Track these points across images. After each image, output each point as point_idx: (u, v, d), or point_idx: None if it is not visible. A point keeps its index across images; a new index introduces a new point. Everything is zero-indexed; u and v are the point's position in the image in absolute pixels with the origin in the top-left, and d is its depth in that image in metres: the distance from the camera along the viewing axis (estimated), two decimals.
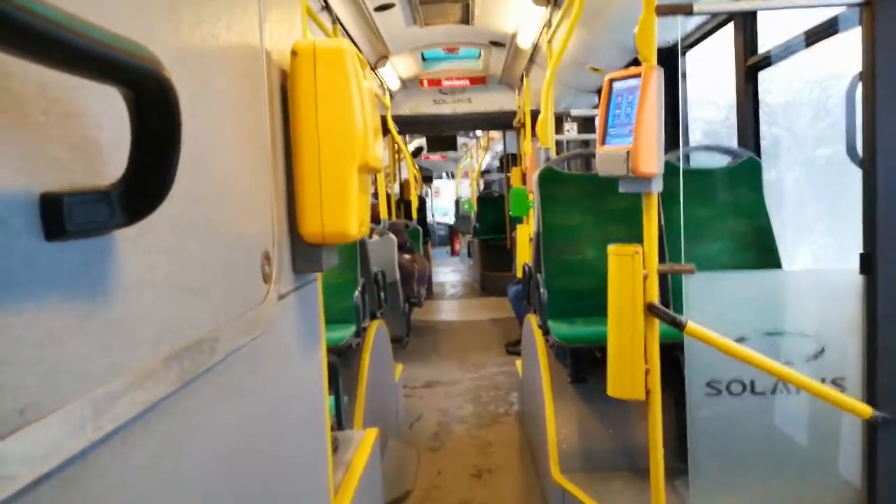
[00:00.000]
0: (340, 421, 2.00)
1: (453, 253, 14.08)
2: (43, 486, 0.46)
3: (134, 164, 0.51)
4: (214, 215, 0.78)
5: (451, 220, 16.10)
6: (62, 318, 0.48)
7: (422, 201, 9.46)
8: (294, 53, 1.04)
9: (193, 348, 0.69)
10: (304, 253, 1.11)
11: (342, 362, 2.60)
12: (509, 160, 11.62)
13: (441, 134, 10.78)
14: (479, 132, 11.83)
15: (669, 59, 3.71)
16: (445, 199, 19.15)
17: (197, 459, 0.71)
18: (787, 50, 2.82)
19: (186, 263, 0.69)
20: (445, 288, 9.81)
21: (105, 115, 0.54)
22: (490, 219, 10.03)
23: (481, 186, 13.74)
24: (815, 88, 2.93)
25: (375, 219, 5.04)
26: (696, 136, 4.13)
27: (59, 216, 0.47)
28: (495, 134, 11.23)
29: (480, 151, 12.80)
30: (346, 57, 1.04)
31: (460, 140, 12.46)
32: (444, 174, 19.58)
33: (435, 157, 14.56)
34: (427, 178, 15.54)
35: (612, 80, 1.82)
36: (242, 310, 0.84)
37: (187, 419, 0.69)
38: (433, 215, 16.52)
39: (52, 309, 0.47)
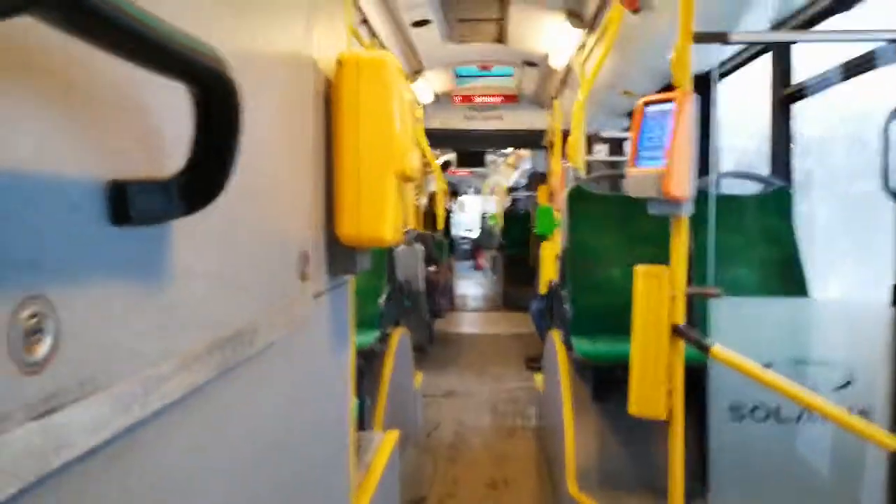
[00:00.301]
0: (362, 422, 2.02)
1: (477, 267, 14.10)
2: (94, 457, 0.48)
3: (195, 157, 0.54)
4: (259, 213, 0.81)
5: (474, 234, 16.17)
6: (122, 299, 0.51)
7: (448, 214, 9.52)
8: (339, 63, 1.08)
9: (235, 338, 0.72)
10: (340, 255, 1.14)
11: (365, 366, 2.62)
12: (537, 179, 11.65)
13: (470, 149, 10.85)
14: (507, 150, 11.90)
15: (703, 85, 3.71)
16: (470, 214, 19.22)
17: (229, 445, 0.74)
18: (822, 83, 2.81)
19: (232, 257, 0.73)
20: (468, 301, 9.84)
21: (169, 111, 0.58)
22: (515, 235, 10.07)
23: (508, 203, 13.77)
24: (852, 122, 2.92)
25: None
26: (728, 163, 4.11)
27: (123, 203, 0.50)
28: (524, 152, 11.28)
29: (508, 168, 12.85)
30: (389, 68, 1.08)
31: (489, 157, 12.53)
32: (469, 189, 19.67)
33: (462, 172, 14.65)
34: (453, 193, 15.66)
35: (646, 104, 1.84)
36: (280, 305, 0.87)
37: (224, 406, 0.72)
38: (458, 230, 16.64)
39: (114, 290, 0.50)
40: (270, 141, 0.84)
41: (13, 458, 0.39)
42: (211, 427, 0.69)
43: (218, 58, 0.52)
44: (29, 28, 0.40)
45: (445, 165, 11.83)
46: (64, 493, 0.45)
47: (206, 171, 0.55)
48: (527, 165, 12.12)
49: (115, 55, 0.44)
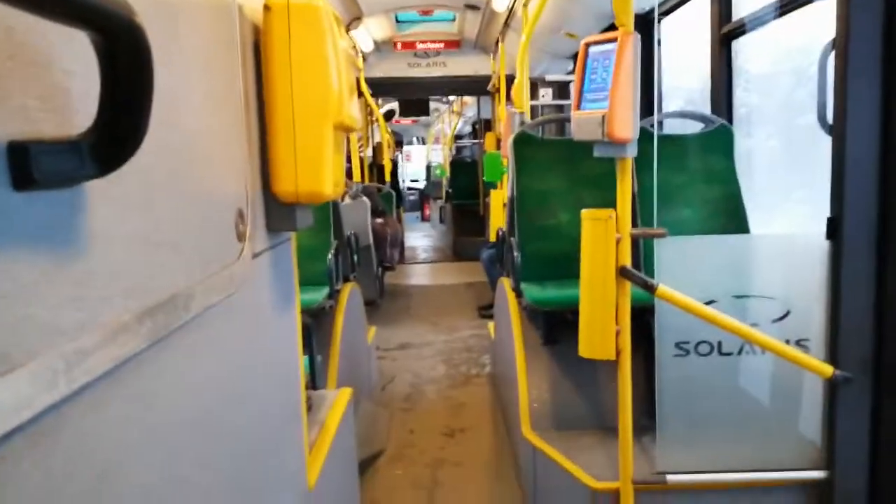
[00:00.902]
0: (314, 381, 2.01)
1: (424, 218, 14.05)
2: (16, 437, 0.45)
3: (104, 113, 0.50)
4: (186, 171, 0.76)
5: (421, 185, 16.03)
6: (31, 269, 0.48)
7: (394, 165, 9.41)
8: (267, 8, 1.02)
9: (167, 304, 0.68)
10: (278, 212, 1.10)
11: (316, 324, 2.60)
12: (482, 126, 11.58)
13: (414, 98, 10.68)
14: (451, 97, 11.76)
15: (646, 26, 3.70)
16: (416, 165, 19.02)
17: (171, 415, 0.71)
18: (760, 18, 2.83)
19: (158, 219, 0.68)
20: (417, 252, 9.82)
21: (74, 62, 0.53)
22: (463, 184, 10.03)
23: (454, 152, 13.66)
24: (797, 56, 2.95)
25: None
26: (676, 104, 4.14)
27: (26, 165, 0.46)
28: (468, 99, 11.17)
29: (453, 116, 12.72)
30: (322, 14, 1.03)
31: (433, 105, 12.36)
32: (414, 139, 19.42)
33: (406, 121, 14.45)
34: (398, 143, 15.47)
35: (588, 45, 1.82)
36: (217, 267, 0.84)
37: (161, 375, 0.69)
38: (404, 180, 16.47)
39: (22, 260, 0.47)
40: (193, 93, 0.79)
41: None
42: (148, 398, 0.66)
43: (122, 2, 0.47)
44: None
45: (389, 115, 11.64)
46: None
47: (118, 128, 0.51)
48: (470, 113, 12.03)
49: (4, 2, 0.39)
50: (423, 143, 18.57)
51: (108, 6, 0.45)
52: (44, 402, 0.48)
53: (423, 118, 13.68)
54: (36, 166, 0.46)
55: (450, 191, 10.29)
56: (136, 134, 0.51)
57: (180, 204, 0.74)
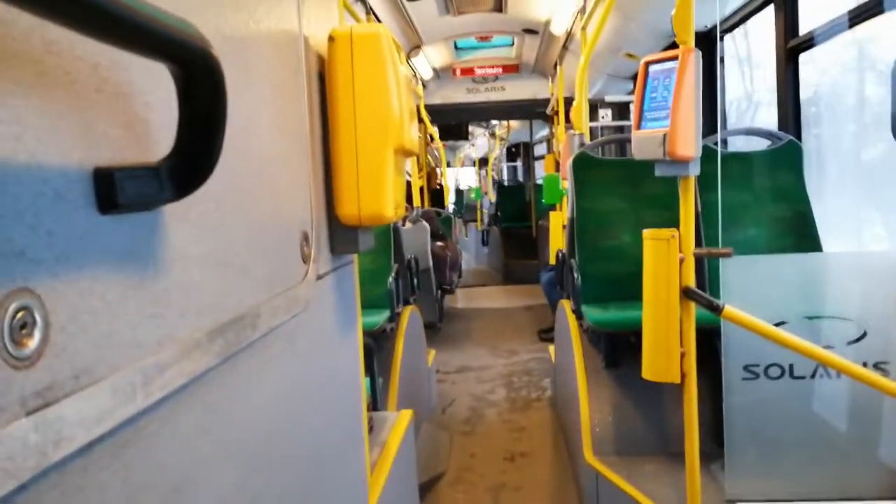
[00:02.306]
0: (375, 402, 2.03)
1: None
2: (97, 448, 0.48)
3: (181, 140, 0.53)
4: (255, 195, 0.80)
5: (450, 208, 15.98)
6: (115, 287, 0.51)
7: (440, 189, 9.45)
8: (331, 39, 1.06)
9: (236, 323, 0.71)
10: (342, 234, 1.13)
11: (376, 346, 2.63)
12: (524, 150, 11.52)
13: (469, 122, 10.71)
14: (494, 121, 11.78)
15: (707, 43, 3.65)
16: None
17: (237, 432, 0.73)
18: (829, 31, 2.75)
19: (229, 241, 0.71)
20: (469, 276, 9.78)
21: (153, 94, 0.56)
22: (511, 207, 10.02)
23: (496, 175, 13.59)
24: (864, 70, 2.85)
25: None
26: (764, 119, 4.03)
27: (111, 190, 0.49)
28: (515, 123, 11.17)
29: (496, 141, 12.73)
30: (383, 41, 1.06)
31: (470, 129, 12.37)
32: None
33: (443, 145, 14.52)
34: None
35: (648, 64, 1.81)
36: (282, 288, 0.87)
37: (230, 392, 0.71)
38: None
39: (106, 279, 0.50)
40: (262, 121, 0.83)
41: (9, 454, 0.39)
42: (217, 414, 0.68)
43: (199, 36, 0.50)
44: (2, 12, 0.39)
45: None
46: (67, 488, 0.45)
47: (194, 154, 0.54)
48: (519, 136, 12.01)
49: (91, 37, 0.42)
50: (449, 165, 18.59)
51: (186, 41, 0.48)
52: (123, 415, 0.50)
53: (459, 142, 13.72)
54: (119, 191, 0.49)
55: (497, 214, 10.27)
56: (211, 159, 0.54)
57: (249, 226, 0.77)
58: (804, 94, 3.02)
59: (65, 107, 0.46)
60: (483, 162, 14.59)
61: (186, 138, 0.53)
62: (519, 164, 14.40)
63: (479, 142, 14.09)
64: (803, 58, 3.00)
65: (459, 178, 16.22)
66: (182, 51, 0.49)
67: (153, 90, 0.56)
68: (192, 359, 0.61)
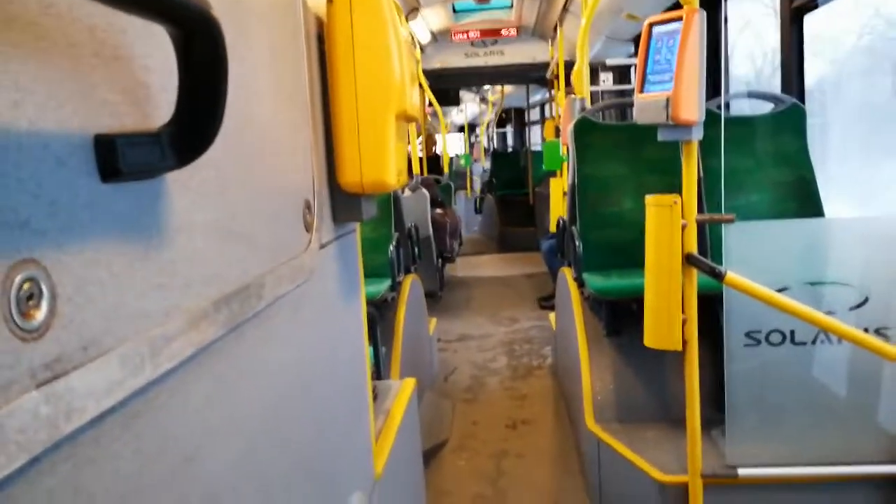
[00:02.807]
0: (379, 371, 2.03)
1: None
2: (108, 419, 0.48)
3: (182, 105, 0.51)
4: (256, 162, 0.78)
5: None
6: (120, 258, 0.50)
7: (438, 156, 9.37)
8: (330, 0, 1.03)
9: (242, 292, 0.70)
10: (344, 203, 1.12)
11: (378, 315, 2.63)
12: (516, 115, 11.36)
13: (468, 87, 10.57)
14: (486, 86, 11.62)
15: (712, 3, 3.59)
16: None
17: (245, 401, 0.73)
18: None
19: (232, 209, 0.70)
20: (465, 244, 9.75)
21: (152, 57, 0.55)
22: (506, 175, 9.94)
23: (487, 142, 13.41)
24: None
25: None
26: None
27: (113, 158, 0.48)
28: (508, 88, 11.03)
29: (489, 106, 12.57)
30: (383, 3, 1.03)
31: (462, 94, 12.19)
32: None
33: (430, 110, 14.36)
34: None
35: (651, 25, 1.77)
36: (286, 257, 0.86)
37: (237, 362, 0.71)
38: None
39: (111, 249, 0.49)
40: (262, 87, 0.81)
41: (21, 427, 0.38)
42: (225, 384, 0.68)
43: None
44: None
45: None
46: (79, 460, 0.44)
47: (196, 120, 0.52)
48: (511, 102, 11.84)
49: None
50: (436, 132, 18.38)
51: (187, 1, 0.47)
52: (132, 386, 0.50)
53: (450, 108, 13.54)
54: (121, 158, 0.48)
55: (492, 181, 10.19)
56: (213, 125, 0.53)
57: (251, 194, 0.76)
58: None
59: (63, 71, 0.44)
60: (471, 128, 14.41)
61: (187, 104, 0.51)
62: (509, 129, 14.26)
63: (469, 107, 13.93)
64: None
65: (446, 145, 16.07)
66: (181, 11, 0.47)
67: (151, 53, 0.54)
68: (199, 329, 0.60)
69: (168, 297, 0.56)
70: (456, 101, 11.51)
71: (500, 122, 14.25)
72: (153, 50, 0.54)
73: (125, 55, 0.51)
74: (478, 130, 14.83)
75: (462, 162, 11.96)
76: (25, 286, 0.40)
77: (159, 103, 0.55)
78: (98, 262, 0.47)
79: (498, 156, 11.00)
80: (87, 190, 0.46)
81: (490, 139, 14.52)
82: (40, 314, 0.41)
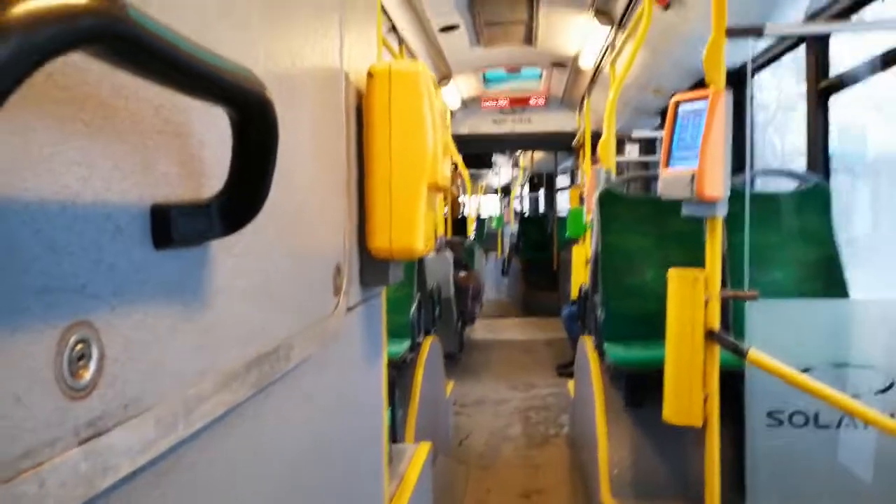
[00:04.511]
0: (395, 433, 2.02)
1: None
2: (139, 476, 0.49)
3: (234, 178, 0.54)
4: (294, 228, 0.81)
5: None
6: (165, 320, 0.52)
7: (464, 218, 9.46)
8: (370, 75, 1.08)
9: (272, 354, 0.72)
10: (372, 267, 1.14)
11: (397, 376, 2.63)
12: (547, 180, 11.49)
13: (496, 153, 10.77)
14: (518, 151, 11.80)
15: (737, 81, 3.65)
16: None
17: (267, 461, 0.74)
18: (862, 72, 2.75)
19: (268, 273, 0.73)
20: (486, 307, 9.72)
21: (207, 133, 0.58)
22: (533, 238, 9.97)
23: (519, 206, 13.51)
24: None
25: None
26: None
27: (166, 226, 0.51)
28: (538, 154, 11.19)
29: (519, 170, 12.72)
30: (421, 78, 1.08)
31: (494, 158, 12.39)
32: (461, 190, 19.33)
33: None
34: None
35: (678, 103, 1.82)
36: (315, 319, 0.88)
37: (261, 422, 0.72)
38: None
39: (157, 312, 0.51)
40: (304, 157, 0.85)
41: (61, 483, 0.40)
42: (250, 443, 0.69)
43: (256, 81, 0.53)
44: (77, 61, 0.41)
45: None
46: None
47: (245, 192, 0.55)
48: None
49: (160, 84, 0.45)
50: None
51: (246, 86, 0.50)
52: (165, 445, 0.51)
53: (482, 171, 13.71)
54: (174, 227, 0.51)
55: (518, 244, 10.22)
56: (260, 196, 0.56)
57: (287, 259, 0.79)
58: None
59: (128, 147, 0.48)
60: (505, 190, 14.58)
61: (239, 177, 0.54)
62: (541, 194, 14.43)
63: (502, 170, 14.13)
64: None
65: (481, 206, 16.22)
66: (241, 96, 0.51)
67: (208, 130, 0.58)
68: (231, 389, 0.62)
69: (204, 358, 0.58)
70: (488, 164, 11.66)
71: (534, 187, 14.43)
72: (209, 126, 0.58)
73: (185, 132, 0.55)
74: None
75: (493, 224, 12.02)
76: (78, 347, 0.42)
77: (210, 175, 0.59)
78: (144, 324, 0.49)
79: (525, 219, 11.06)
80: (141, 256, 0.49)
81: (517, 202, 14.65)
82: (88, 374, 0.43)
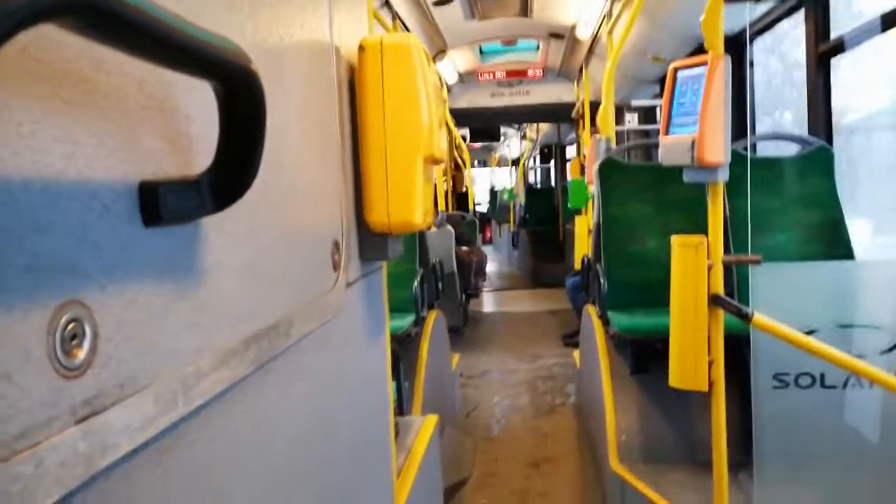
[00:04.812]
0: (401, 407, 2.03)
1: (485, 241, 13.85)
2: (140, 454, 0.49)
3: (222, 154, 0.54)
4: (288, 204, 0.81)
5: (483, 208, 15.86)
6: (156, 299, 0.52)
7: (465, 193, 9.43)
8: (362, 48, 1.07)
9: (270, 331, 0.72)
10: (371, 242, 1.14)
11: (401, 350, 2.64)
12: (557, 151, 11.48)
13: (481, 126, 10.69)
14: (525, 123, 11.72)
15: (736, 46, 3.61)
16: (476, 188, 18.87)
17: (271, 437, 0.75)
18: (861, 35, 2.71)
19: (263, 250, 0.73)
20: (495, 279, 9.75)
21: (193, 108, 0.57)
22: (539, 210, 9.95)
23: (528, 177, 13.48)
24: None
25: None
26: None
27: (155, 204, 0.50)
28: (544, 126, 11.12)
29: (526, 142, 12.65)
30: (413, 51, 1.07)
31: (502, 129, 12.32)
32: (475, 162, 19.30)
33: (474, 146, 14.41)
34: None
35: (676, 70, 1.80)
36: (314, 296, 0.88)
37: (263, 399, 0.73)
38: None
39: (148, 290, 0.51)
40: (296, 132, 0.84)
41: (59, 463, 0.40)
42: (252, 420, 0.70)
43: (241, 53, 0.52)
44: (53, 35, 0.41)
45: None
46: (110, 494, 0.46)
47: (234, 167, 0.55)
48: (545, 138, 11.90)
49: (141, 59, 0.44)
50: (485, 165, 18.42)
51: (230, 58, 0.50)
52: (164, 422, 0.51)
53: (492, 143, 13.63)
54: (163, 204, 0.50)
55: (526, 216, 10.21)
56: (250, 172, 0.55)
57: (282, 235, 0.78)
58: None
59: (112, 124, 0.47)
60: (517, 162, 14.54)
61: (226, 152, 0.54)
62: (552, 165, 14.37)
63: (514, 142, 14.04)
64: None
65: (494, 178, 16.12)
66: (225, 68, 0.50)
67: (194, 104, 0.57)
68: (230, 366, 0.62)
69: (200, 336, 0.58)
70: (497, 137, 11.59)
71: (545, 158, 14.35)
72: (195, 100, 0.57)
73: (170, 106, 0.54)
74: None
75: (505, 196, 11.98)
76: (70, 326, 0.42)
77: (199, 150, 0.58)
78: (137, 302, 0.49)
79: (532, 191, 11.02)
80: (130, 234, 0.49)
81: (526, 175, 14.61)
82: (82, 353, 0.43)
